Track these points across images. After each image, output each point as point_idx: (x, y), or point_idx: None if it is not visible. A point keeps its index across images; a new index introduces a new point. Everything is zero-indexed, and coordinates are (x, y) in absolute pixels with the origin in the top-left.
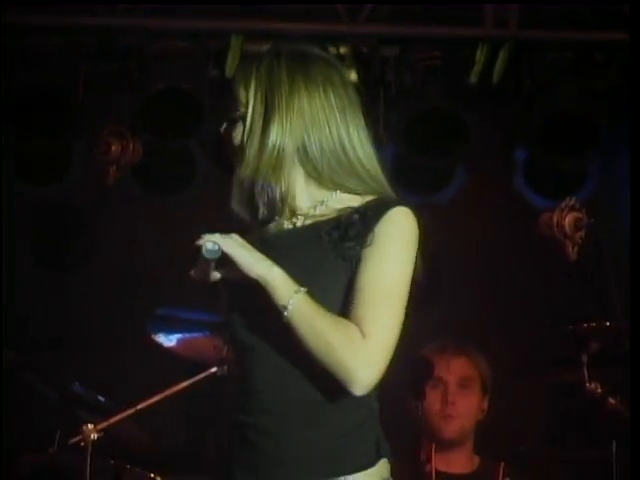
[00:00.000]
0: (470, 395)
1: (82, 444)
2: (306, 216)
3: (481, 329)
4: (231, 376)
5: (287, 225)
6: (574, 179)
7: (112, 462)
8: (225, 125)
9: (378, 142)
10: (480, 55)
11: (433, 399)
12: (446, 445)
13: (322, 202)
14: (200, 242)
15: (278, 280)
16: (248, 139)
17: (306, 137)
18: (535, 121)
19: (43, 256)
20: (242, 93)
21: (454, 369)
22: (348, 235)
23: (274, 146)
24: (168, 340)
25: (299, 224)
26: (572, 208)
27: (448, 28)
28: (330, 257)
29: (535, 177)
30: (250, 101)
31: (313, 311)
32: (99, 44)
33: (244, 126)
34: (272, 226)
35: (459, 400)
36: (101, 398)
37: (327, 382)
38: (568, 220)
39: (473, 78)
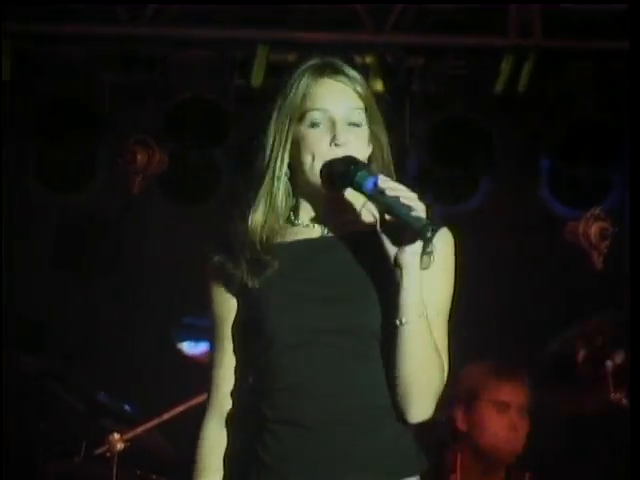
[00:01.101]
0: (526, 421)
1: (108, 454)
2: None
3: (506, 339)
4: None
5: (324, 229)
6: (598, 188)
7: (138, 472)
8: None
9: (403, 152)
10: (505, 64)
11: (498, 424)
12: (493, 465)
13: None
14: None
15: (420, 285)
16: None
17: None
18: (560, 130)
19: (68, 264)
20: (356, 95)
21: (517, 395)
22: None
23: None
24: (193, 349)
25: (328, 231)
26: (597, 218)
27: (473, 38)
28: (370, 263)
29: (560, 186)
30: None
31: (429, 333)
32: (124, 53)
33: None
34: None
35: (521, 427)
36: (127, 408)
37: (384, 389)
38: (594, 230)
39: (498, 87)
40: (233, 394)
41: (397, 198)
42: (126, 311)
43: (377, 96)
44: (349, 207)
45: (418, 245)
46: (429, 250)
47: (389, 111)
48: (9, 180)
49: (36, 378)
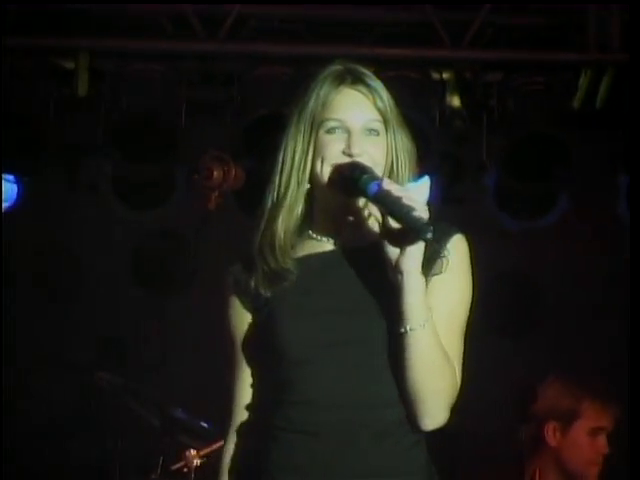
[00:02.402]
0: (609, 444)
1: (185, 470)
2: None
3: (580, 355)
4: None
5: (336, 242)
6: None
7: None
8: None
9: (481, 167)
10: (583, 80)
11: (591, 447)
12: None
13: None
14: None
15: (423, 291)
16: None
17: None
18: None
19: (145, 280)
20: (375, 106)
21: (611, 421)
22: None
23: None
24: None
25: (341, 244)
26: None
27: (551, 53)
28: (381, 275)
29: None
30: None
31: (436, 339)
32: (201, 70)
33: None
34: (325, 242)
35: (606, 450)
36: (204, 424)
37: (395, 401)
38: None
39: (576, 103)
40: (250, 406)
41: (399, 198)
42: (202, 326)
43: (454, 111)
44: (362, 220)
45: (419, 249)
46: (442, 254)
47: (466, 126)
48: (86, 196)
49: (113, 394)
